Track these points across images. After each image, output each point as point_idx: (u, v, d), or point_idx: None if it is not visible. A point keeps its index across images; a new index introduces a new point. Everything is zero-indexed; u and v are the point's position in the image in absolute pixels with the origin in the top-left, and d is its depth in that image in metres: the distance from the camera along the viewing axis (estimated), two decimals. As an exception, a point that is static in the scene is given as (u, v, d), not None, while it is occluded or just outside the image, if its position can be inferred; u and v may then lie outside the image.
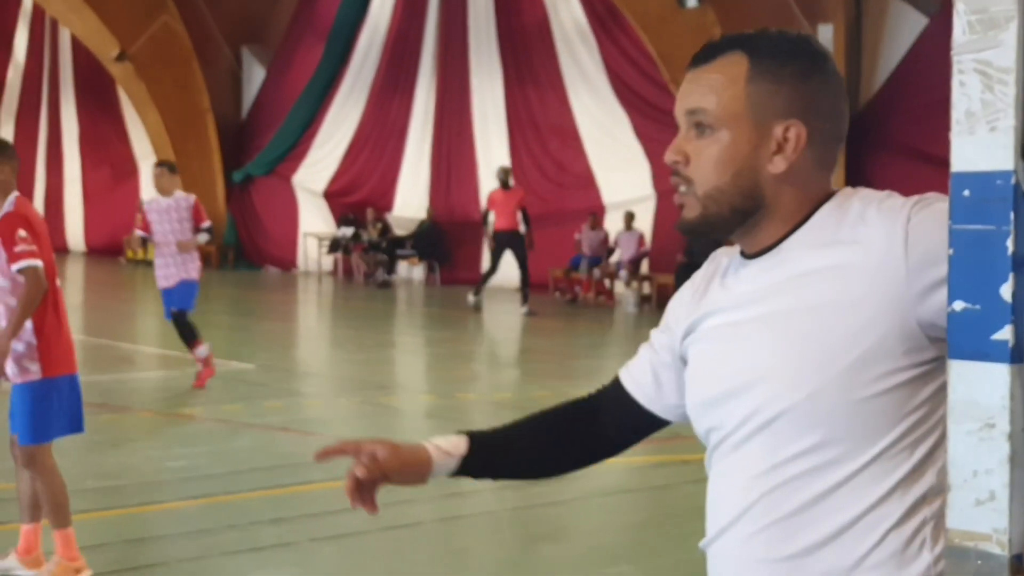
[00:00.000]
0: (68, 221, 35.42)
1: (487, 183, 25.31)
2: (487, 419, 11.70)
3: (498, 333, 18.78)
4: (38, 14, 35.63)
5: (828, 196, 2.11)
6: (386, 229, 26.68)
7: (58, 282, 6.27)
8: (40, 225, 6.18)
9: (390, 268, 26.29)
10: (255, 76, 30.99)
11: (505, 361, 16.42)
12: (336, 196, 28.36)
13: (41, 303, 6.07)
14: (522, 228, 20.01)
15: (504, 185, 20.04)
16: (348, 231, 27.37)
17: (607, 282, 22.47)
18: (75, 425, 6.38)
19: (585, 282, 22.18)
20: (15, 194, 6.18)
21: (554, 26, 24.17)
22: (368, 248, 26.66)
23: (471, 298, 20.64)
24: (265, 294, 25.14)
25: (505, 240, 19.92)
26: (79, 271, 30.38)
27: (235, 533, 7.34)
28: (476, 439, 2.46)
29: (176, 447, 9.72)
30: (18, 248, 5.96)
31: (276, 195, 29.55)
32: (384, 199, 27.43)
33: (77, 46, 33.66)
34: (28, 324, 6.06)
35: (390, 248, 26.36)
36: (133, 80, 30.48)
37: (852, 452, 2.00)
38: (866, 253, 1.97)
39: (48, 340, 6.14)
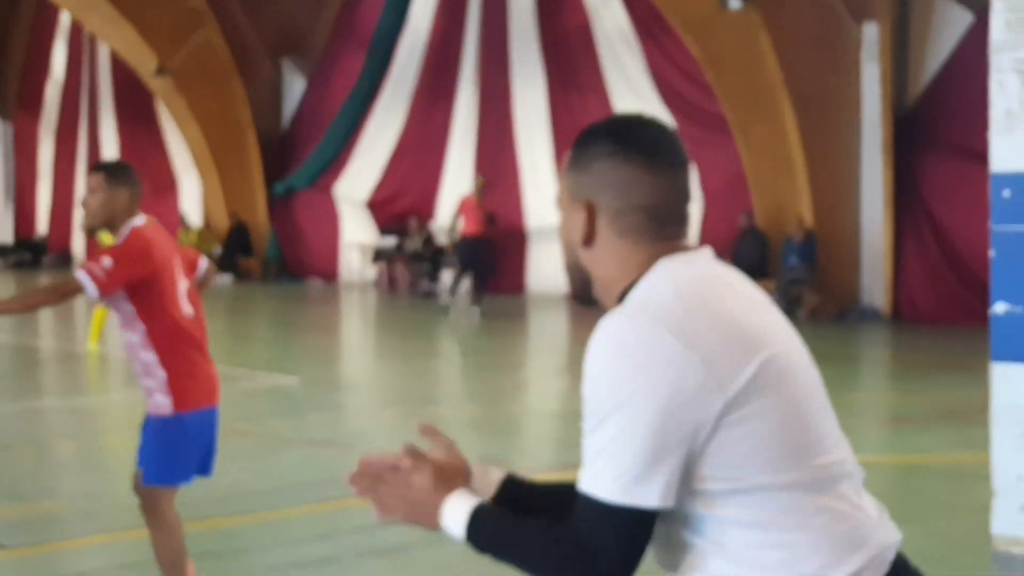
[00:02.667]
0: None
1: (531, 190, 25.14)
2: (533, 430, 11.51)
3: (543, 342, 18.56)
4: (76, 30, 35.74)
5: (654, 262, 2.34)
6: (429, 238, 26.52)
7: (186, 309, 5.80)
8: (159, 251, 5.69)
9: (434, 278, 26.14)
10: (296, 87, 30.94)
11: (550, 371, 16.20)
12: (379, 206, 28.24)
13: (165, 332, 5.67)
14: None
15: (478, 193, 20.71)
16: (391, 241, 27.25)
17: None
18: (203, 467, 6.04)
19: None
20: (133, 222, 5.77)
21: (596, 30, 23.96)
22: (412, 258, 26.52)
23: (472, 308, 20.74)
24: (308, 306, 25.05)
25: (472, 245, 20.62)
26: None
27: (278, 550, 7.19)
28: (514, 479, 2.59)
29: (221, 463, 9.51)
30: (94, 268, 5.48)
31: (318, 206, 29.46)
32: (427, 208, 27.28)
33: (116, 61, 33.72)
34: (153, 357, 5.67)
35: (434, 257, 26.21)
36: (173, 94, 30.49)
37: None
38: None
39: (178, 372, 5.72)
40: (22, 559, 7.05)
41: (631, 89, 23.31)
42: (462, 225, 20.63)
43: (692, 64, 21.63)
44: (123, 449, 10.33)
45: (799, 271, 20.05)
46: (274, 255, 30.43)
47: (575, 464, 7.55)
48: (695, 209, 22.07)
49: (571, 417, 11.78)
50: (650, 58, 23.01)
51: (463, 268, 20.43)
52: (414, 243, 26.61)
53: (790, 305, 20.08)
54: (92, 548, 7.28)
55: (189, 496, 8.45)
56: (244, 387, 13.67)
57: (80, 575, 6.68)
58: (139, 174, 5.93)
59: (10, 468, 9.61)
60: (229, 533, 7.56)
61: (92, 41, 34.90)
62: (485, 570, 6.77)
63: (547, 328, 19.84)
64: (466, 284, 21.32)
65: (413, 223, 26.86)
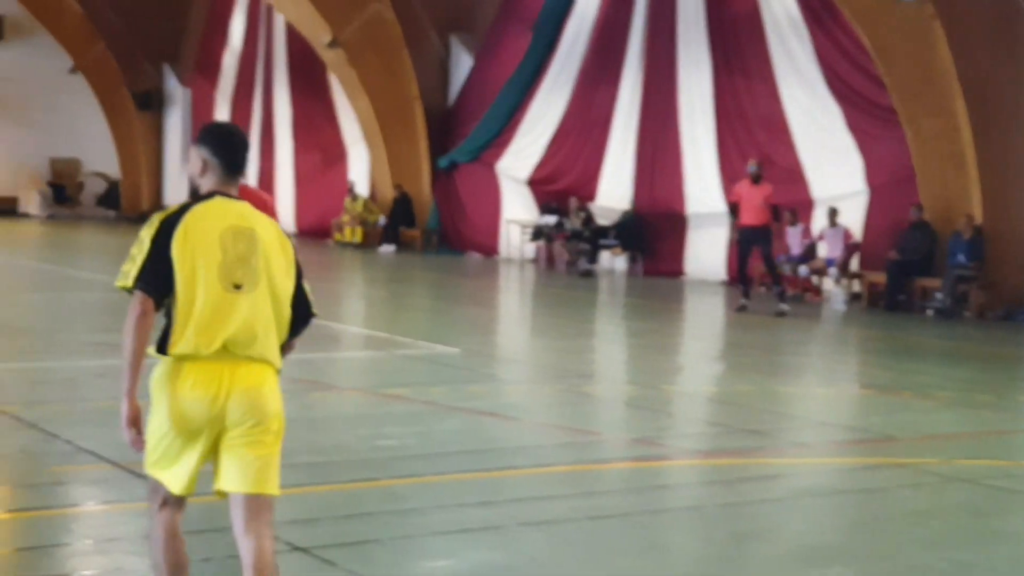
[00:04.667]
0: (279, 203, 36.24)
1: (693, 174, 25.06)
2: (690, 411, 11.60)
3: (701, 326, 18.58)
4: (255, 0, 36.61)
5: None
6: (589, 218, 26.65)
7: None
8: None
9: (592, 257, 26.26)
10: (462, 64, 31.28)
11: (709, 354, 16.24)
12: (540, 184, 28.45)
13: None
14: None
15: (755, 179, 19.23)
16: (551, 219, 27.43)
17: (815, 278, 22.01)
18: None
19: (788, 278, 21.75)
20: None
21: (765, 16, 23.78)
22: (571, 237, 26.68)
23: (742, 301, 19.55)
24: (467, 279, 25.37)
25: (751, 235, 19.22)
26: (288, 252, 31.05)
27: (443, 514, 7.39)
28: None
29: (386, 426, 9.84)
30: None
31: (480, 182, 29.78)
32: (587, 188, 27.40)
33: (291, 32, 34.45)
34: None
35: (593, 237, 26.33)
36: (344, 66, 31.06)
37: None
38: None
39: None
40: (198, 507, 7.36)
41: (798, 77, 23.11)
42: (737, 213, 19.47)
43: (862, 53, 21.38)
44: (295, 408, 10.71)
45: (966, 268, 19.71)
46: (435, 227, 30.86)
47: (730, 449, 7.69)
48: (859, 200, 21.84)
49: (727, 402, 11.86)
50: (819, 46, 22.78)
51: (742, 258, 19.66)
52: (573, 223, 26.76)
53: (956, 303, 19.75)
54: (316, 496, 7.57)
55: (355, 456, 8.78)
56: (405, 355, 14.00)
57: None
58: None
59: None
60: (394, 494, 7.78)
61: (269, 12, 35.70)
62: (644, 544, 6.95)
63: (704, 312, 19.84)
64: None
65: (573, 202, 26.99)
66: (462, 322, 18.17)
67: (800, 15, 23.10)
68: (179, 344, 4.60)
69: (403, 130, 30.82)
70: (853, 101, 22.12)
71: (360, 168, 33.28)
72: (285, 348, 4.90)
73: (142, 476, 7.73)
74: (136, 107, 40.53)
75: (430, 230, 30.96)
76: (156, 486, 4.83)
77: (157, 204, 40.61)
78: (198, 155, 4.88)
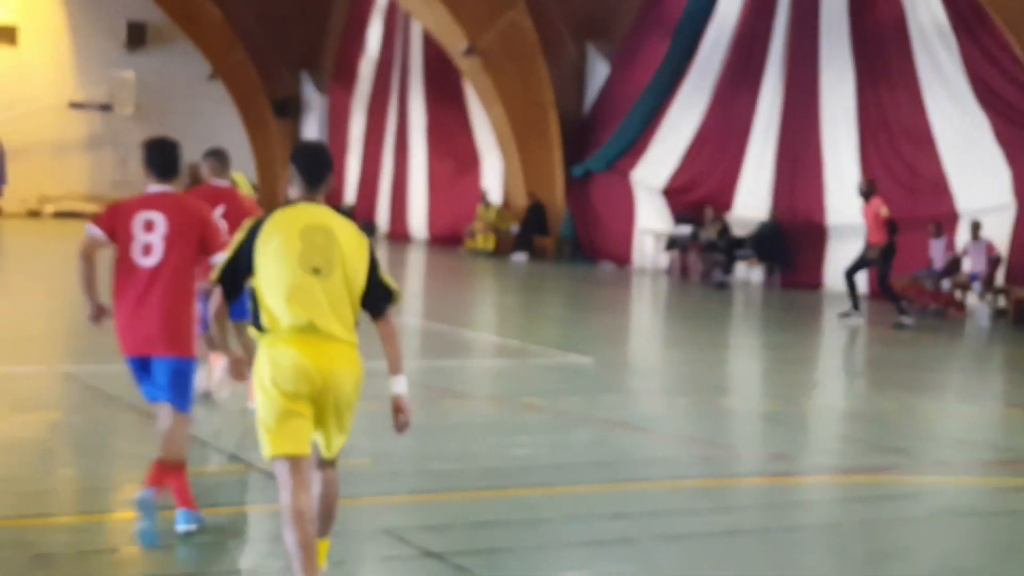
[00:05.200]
0: (412, 210, 36.50)
1: (833, 184, 24.59)
2: (828, 426, 11.33)
3: (840, 340, 18.19)
4: (392, 8, 36.90)
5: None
6: (725, 229, 26.33)
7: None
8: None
9: (727, 269, 25.94)
10: (598, 71, 31.16)
11: (848, 369, 15.89)
12: (675, 193, 28.19)
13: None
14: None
15: (864, 196, 19.11)
16: (686, 229, 27.17)
17: (958, 293, 21.41)
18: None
19: (930, 293, 21.20)
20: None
21: (911, 24, 23.23)
22: (706, 247, 26.40)
23: (904, 320, 18.90)
24: (600, 289, 25.23)
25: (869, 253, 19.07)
26: (421, 259, 31.27)
27: (576, 525, 7.29)
28: None
29: (518, 435, 9.76)
30: None
31: (614, 190, 29.62)
32: (724, 198, 27.06)
33: (428, 40, 34.66)
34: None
35: (728, 248, 26.01)
36: (480, 74, 31.14)
37: None
38: None
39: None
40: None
41: (944, 86, 22.54)
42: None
43: (1013, 63, 20.79)
44: (427, 414, 10.71)
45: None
46: (569, 236, 30.77)
47: (868, 467, 7.44)
48: (1006, 214, 21.20)
49: (866, 418, 11.57)
50: (967, 55, 22.17)
51: (879, 276, 19.53)
52: (709, 233, 26.46)
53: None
54: (397, 507, 7.56)
55: (487, 464, 8.71)
56: (538, 363, 13.93)
57: (385, 531, 6.93)
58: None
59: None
60: (526, 503, 7.71)
61: (406, 19, 35.96)
62: (780, 561, 6.77)
63: (844, 326, 19.39)
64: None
65: (709, 213, 26.69)
66: (595, 331, 18.04)
67: (948, 23, 22.52)
68: (267, 319, 5.49)
69: (537, 138, 30.79)
70: (1002, 112, 21.51)
71: (493, 176, 33.33)
72: (383, 326, 5.75)
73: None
74: (274, 114, 41.10)
75: (563, 239, 30.88)
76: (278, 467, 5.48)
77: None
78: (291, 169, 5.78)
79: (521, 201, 31.54)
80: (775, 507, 8.19)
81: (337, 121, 39.97)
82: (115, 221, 6.81)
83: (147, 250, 6.68)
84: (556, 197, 30.88)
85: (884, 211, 18.74)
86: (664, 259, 28.20)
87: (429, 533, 6.82)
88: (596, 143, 30.24)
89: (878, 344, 17.88)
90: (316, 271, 5.47)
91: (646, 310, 23.03)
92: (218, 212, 8.75)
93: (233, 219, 8.79)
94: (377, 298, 5.70)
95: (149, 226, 6.70)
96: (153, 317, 6.63)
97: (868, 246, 19.11)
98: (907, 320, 18.72)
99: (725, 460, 9.55)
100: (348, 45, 39.57)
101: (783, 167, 25.79)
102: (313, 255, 5.48)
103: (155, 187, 6.87)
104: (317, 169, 5.72)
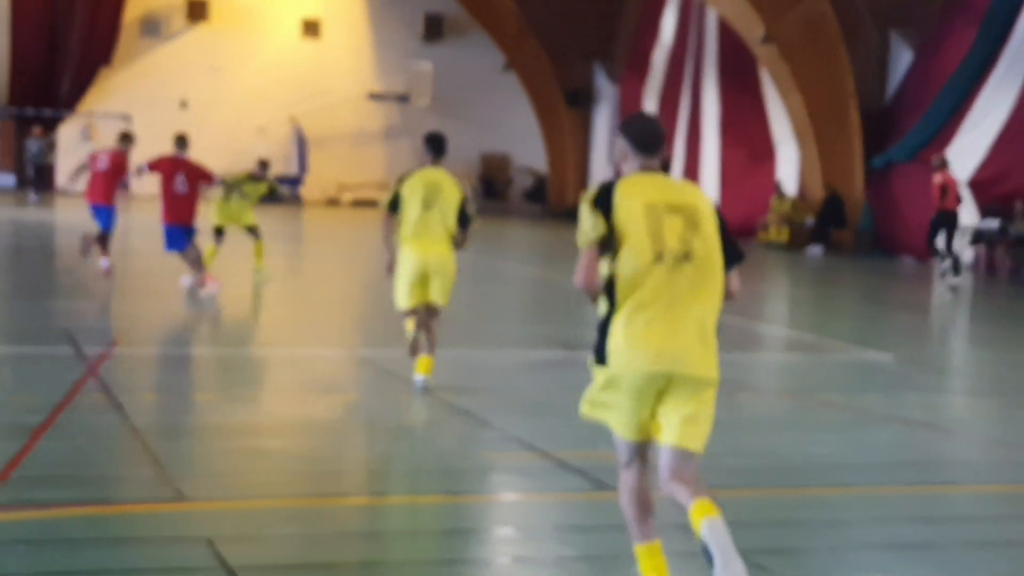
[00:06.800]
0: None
1: None
2: None
3: None
4: (688, -3, 36.74)
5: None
6: (1039, 223, 25.09)
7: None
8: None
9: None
10: (902, 60, 30.13)
11: None
12: (982, 185, 26.97)
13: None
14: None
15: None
16: (993, 223, 26.01)
17: None
18: None
19: None
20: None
21: None
22: (1015, 242, 25.21)
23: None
24: (901, 284, 24.44)
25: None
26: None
27: (877, 527, 6.98)
28: None
29: (816, 433, 9.46)
30: None
31: (917, 182, 28.48)
32: (1036, 191, 25.79)
33: (723, 28, 34.26)
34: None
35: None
36: (777, 62, 30.57)
37: None
38: None
39: None
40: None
41: None
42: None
43: None
44: (720, 408, 10.48)
45: None
46: (867, 229, 29.89)
47: None
48: None
49: None
50: None
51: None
52: (1019, 227, 25.25)
53: None
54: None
55: (785, 461, 8.45)
56: (834, 359, 13.53)
57: (679, 526, 6.75)
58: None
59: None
60: (825, 503, 7.45)
61: (701, 7, 35.64)
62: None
63: None
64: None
65: (1019, 206, 25.48)
66: (895, 327, 17.42)
67: None
68: (624, 295, 5.07)
69: (836, 128, 30.00)
70: None
71: (789, 167, 32.68)
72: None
73: (569, 467, 7.74)
74: (566, 104, 41.38)
75: (862, 231, 30.00)
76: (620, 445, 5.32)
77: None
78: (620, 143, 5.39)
79: (817, 193, 30.82)
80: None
81: (628, 110, 39.92)
82: None
83: None
84: (855, 188, 30.03)
85: None
86: (969, 254, 27.05)
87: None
88: (898, 133, 29.27)
89: None
90: (684, 255, 5.19)
91: (948, 306, 22.10)
92: None
93: None
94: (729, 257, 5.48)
95: None
96: None
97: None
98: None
99: (1038, 466, 9.01)
100: (642, 34, 39.52)
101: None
102: (667, 233, 5.18)
103: None
104: (653, 138, 5.34)
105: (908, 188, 28.75)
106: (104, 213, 17.16)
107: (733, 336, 15.01)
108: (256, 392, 10.44)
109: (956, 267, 22.04)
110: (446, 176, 10.14)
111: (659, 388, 5.09)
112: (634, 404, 5.13)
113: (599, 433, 8.96)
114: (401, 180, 10.09)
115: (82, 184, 18.46)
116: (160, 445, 7.89)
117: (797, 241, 30.69)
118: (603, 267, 5.13)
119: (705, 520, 4.93)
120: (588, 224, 5.13)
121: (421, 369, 9.97)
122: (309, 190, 42.58)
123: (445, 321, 10.50)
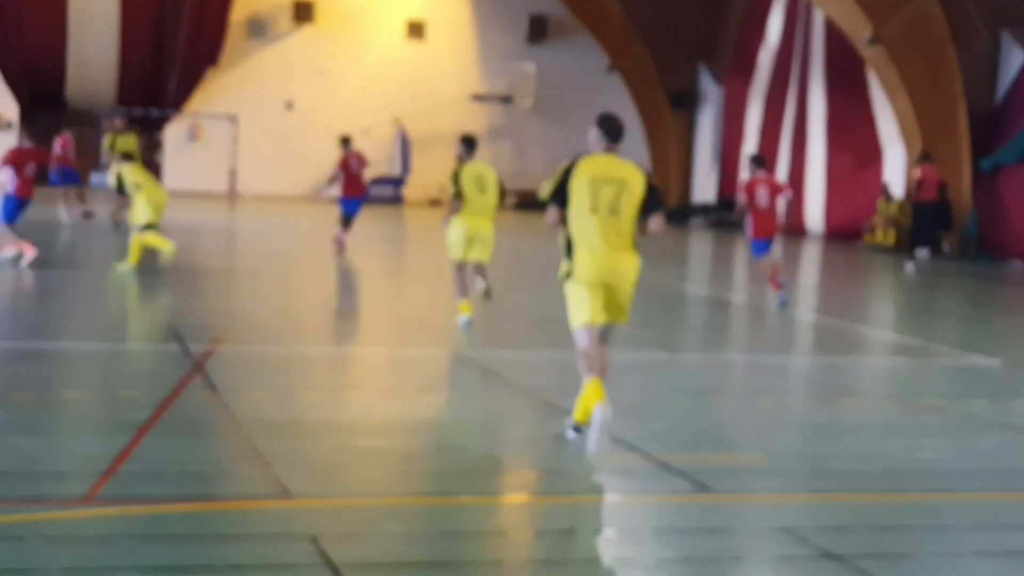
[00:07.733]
0: (808, 203, 35.75)
1: None
2: None
3: None
4: (794, -2, 36.40)
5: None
6: None
7: None
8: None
9: None
10: (1013, 60, 29.57)
11: None
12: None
13: None
14: None
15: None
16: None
17: None
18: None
19: None
20: None
21: None
22: None
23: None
24: (1007, 288, 23.98)
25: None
26: (816, 254, 30.62)
27: (984, 534, 6.88)
28: None
29: (920, 437, 9.33)
30: None
31: (1025, 185, 28.06)
32: None
33: (830, 29, 33.89)
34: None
35: None
36: (884, 63, 30.17)
37: None
38: None
39: None
40: (725, 505, 7.25)
41: None
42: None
43: None
44: (823, 412, 10.40)
45: None
46: (974, 232, 29.40)
47: None
48: None
49: None
50: None
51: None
52: None
53: None
54: (794, 505, 7.34)
55: (889, 465, 8.35)
56: (940, 364, 13.33)
57: (783, 529, 6.73)
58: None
59: (716, 416, 9.93)
60: (930, 508, 7.34)
61: (808, 8, 35.30)
62: None
63: None
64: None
65: None
66: (1002, 332, 17.11)
67: None
68: (576, 234, 8.25)
69: (944, 130, 29.53)
70: None
71: (896, 169, 32.22)
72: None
73: (672, 469, 7.74)
74: (670, 106, 41.19)
75: (968, 235, 29.51)
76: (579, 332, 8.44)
77: (685, 201, 41.16)
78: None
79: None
80: None
81: (733, 112, 39.70)
82: None
83: None
84: (962, 191, 29.53)
85: None
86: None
87: (829, 534, 6.58)
88: (1007, 134, 28.74)
89: None
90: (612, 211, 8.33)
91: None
92: None
93: None
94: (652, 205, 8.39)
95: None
96: None
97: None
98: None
99: None
100: (748, 36, 39.22)
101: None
102: (604, 193, 8.31)
103: None
104: (613, 130, 8.39)
105: (1017, 191, 28.23)
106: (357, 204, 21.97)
107: (836, 340, 14.87)
108: (359, 391, 10.54)
109: None
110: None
111: (604, 289, 8.24)
112: (591, 297, 8.21)
113: (702, 436, 9.00)
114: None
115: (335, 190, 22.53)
116: (265, 442, 8.01)
117: (903, 244, 30.24)
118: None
119: (599, 404, 7.94)
120: (547, 187, 8.32)
121: None
122: (411, 190, 42.84)
123: (547, 325, 10.49)
